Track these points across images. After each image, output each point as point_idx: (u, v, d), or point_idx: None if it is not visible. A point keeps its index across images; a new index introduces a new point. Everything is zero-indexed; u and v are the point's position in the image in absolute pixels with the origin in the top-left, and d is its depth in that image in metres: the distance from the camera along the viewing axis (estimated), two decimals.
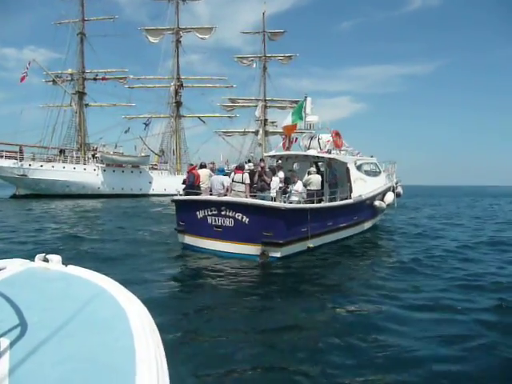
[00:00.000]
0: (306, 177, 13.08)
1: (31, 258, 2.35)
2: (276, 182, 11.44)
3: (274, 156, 15.51)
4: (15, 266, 2.22)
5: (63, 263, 2.33)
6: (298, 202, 11.35)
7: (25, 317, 1.55)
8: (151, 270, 9.07)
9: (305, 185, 12.44)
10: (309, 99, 14.79)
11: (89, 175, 47.51)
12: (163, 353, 1.42)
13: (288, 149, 15.63)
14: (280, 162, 13.60)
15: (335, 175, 13.82)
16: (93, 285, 1.98)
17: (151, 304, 6.47)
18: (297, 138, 16.29)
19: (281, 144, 16.37)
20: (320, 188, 12.86)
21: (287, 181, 12.21)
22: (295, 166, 13.66)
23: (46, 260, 2.36)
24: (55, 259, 2.35)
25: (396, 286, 8.01)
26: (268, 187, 11.22)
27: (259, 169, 11.68)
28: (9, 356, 1.28)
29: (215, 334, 5.53)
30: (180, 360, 4.52)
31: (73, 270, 2.23)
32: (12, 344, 1.35)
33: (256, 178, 11.44)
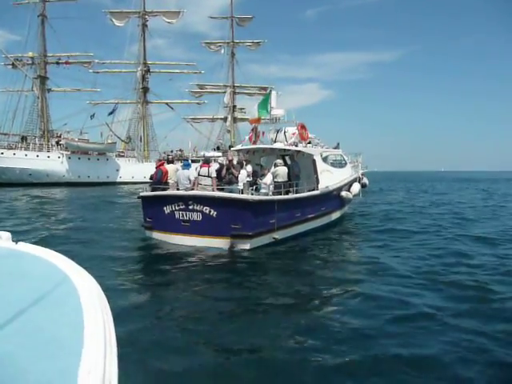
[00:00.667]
0: (273, 169, 13.17)
1: None
2: (244, 175, 11.51)
3: (240, 150, 15.49)
4: None
5: (13, 240, 2.25)
6: (266, 194, 11.47)
7: None
8: (115, 265, 8.91)
9: (272, 177, 12.56)
10: (274, 92, 14.80)
11: (53, 163, 46.18)
12: (113, 329, 1.41)
13: (255, 142, 15.65)
14: (247, 155, 13.54)
15: (294, 168, 13.88)
16: (44, 261, 1.94)
17: (114, 300, 6.28)
18: (264, 132, 16.31)
19: (247, 137, 16.37)
20: (287, 180, 13.01)
21: (255, 174, 12.29)
22: (262, 159, 13.70)
23: None
24: (4, 236, 2.26)
25: (361, 277, 8.24)
26: (236, 180, 11.30)
27: (227, 162, 11.73)
28: None
29: (174, 327, 5.60)
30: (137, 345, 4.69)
31: (23, 246, 2.17)
32: None
33: (224, 171, 11.48)
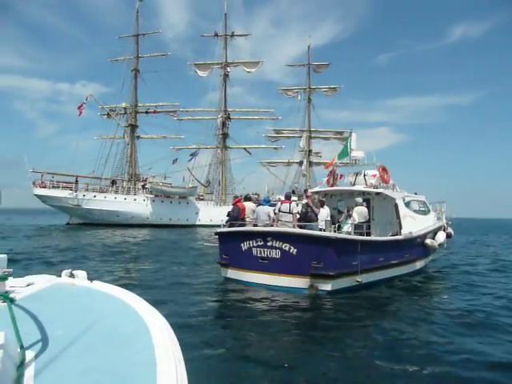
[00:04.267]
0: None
1: (58, 274, 2.43)
2: (325, 214, 11.19)
3: (318, 192, 15.23)
4: (43, 281, 2.32)
5: (88, 279, 2.40)
6: (349, 234, 11.04)
7: (50, 330, 1.60)
8: (190, 303, 8.84)
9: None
10: (354, 134, 14.61)
11: (138, 206, 49.00)
12: (184, 367, 1.42)
13: (333, 185, 15.29)
14: (324, 199, 13.05)
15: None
16: (117, 300, 2.03)
17: (186, 331, 6.04)
18: (342, 175, 15.97)
19: (325, 180, 16.08)
20: (367, 221, 12.50)
21: (332, 219, 11.81)
22: (340, 204, 13.22)
23: (72, 276, 2.43)
24: (81, 275, 2.42)
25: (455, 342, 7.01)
26: (316, 218, 10.96)
27: (306, 200, 11.42)
28: (34, 367, 1.34)
29: (245, 366, 5.40)
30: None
31: (98, 285, 2.30)
32: (36, 356, 1.41)
33: (303, 209, 11.14)
